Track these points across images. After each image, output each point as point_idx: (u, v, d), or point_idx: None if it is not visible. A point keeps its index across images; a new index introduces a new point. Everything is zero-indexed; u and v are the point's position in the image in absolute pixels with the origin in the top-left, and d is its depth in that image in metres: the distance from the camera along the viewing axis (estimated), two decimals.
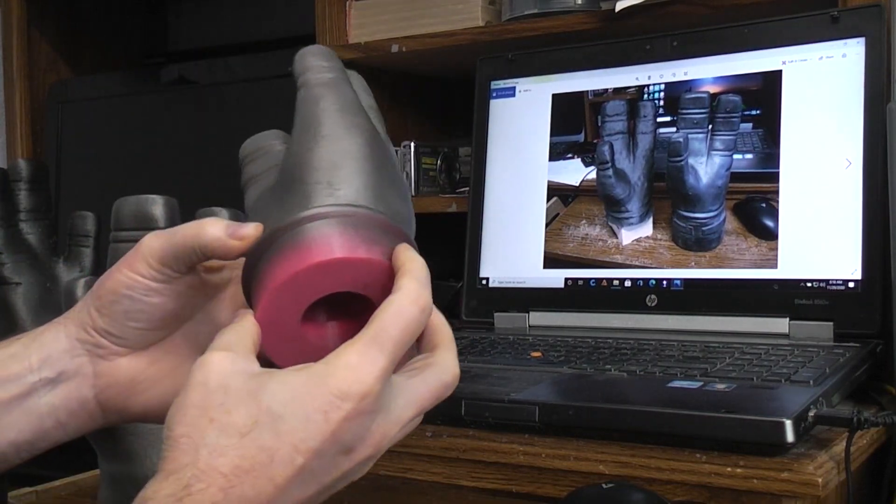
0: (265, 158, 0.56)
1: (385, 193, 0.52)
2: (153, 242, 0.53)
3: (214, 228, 0.52)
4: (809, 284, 0.96)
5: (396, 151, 1.37)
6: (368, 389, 0.45)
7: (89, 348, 0.54)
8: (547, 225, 1.11)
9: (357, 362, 0.45)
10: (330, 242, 0.48)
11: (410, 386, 0.48)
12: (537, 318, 1.09)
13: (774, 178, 0.99)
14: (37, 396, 0.54)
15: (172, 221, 0.76)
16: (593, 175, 1.10)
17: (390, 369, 0.46)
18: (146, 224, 0.74)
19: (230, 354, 0.47)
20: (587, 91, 1.12)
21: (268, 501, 0.44)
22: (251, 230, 0.51)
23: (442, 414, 0.80)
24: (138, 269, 0.53)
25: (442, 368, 0.49)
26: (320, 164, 0.51)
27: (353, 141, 0.53)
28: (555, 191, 1.12)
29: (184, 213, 0.73)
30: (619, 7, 1.09)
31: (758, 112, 1.01)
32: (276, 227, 0.50)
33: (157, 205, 0.75)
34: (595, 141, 1.10)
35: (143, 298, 0.53)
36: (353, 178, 0.51)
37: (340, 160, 0.51)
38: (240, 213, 0.63)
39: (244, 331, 0.49)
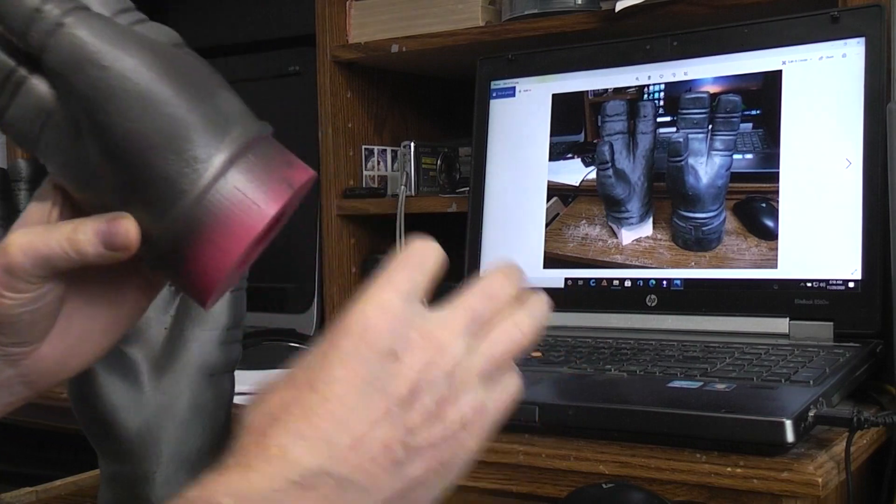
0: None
1: (224, 120, 0.46)
2: (23, 259, 0.48)
3: (90, 245, 0.47)
4: (809, 284, 0.96)
5: (396, 152, 1.37)
6: (383, 300, 0.44)
7: (4, 360, 0.51)
8: (547, 225, 1.11)
9: (364, 297, 0.44)
10: (248, 205, 0.45)
11: (441, 309, 0.46)
12: None
13: (774, 178, 0.99)
14: None
15: None
16: (593, 175, 1.10)
17: (406, 287, 0.44)
18: None
19: None
20: (587, 91, 1.12)
21: (330, 417, 0.42)
22: (129, 236, 0.46)
23: None
24: (18, 288, 0.49)
25: (478, 282, 0.47)
26: (152, 142, 0.44)
27: (160, 90, 0.45)
28: (555, 191, 1.12)
29: None
30: (619, 7, 1.09)
31: (758, 112, 1.01)
32: (172, 217, 0.45)
33: None
34: (595, 141, 1.10)
35: (36, 306, 0.50)
36: (195, 133, 0.45)
37: (167, 121, 0.45)
38: None
39: None
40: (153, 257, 0.47)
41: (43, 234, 0.48)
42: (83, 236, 0.47)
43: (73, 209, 0.50)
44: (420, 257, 0.46)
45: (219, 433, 0.63)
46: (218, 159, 0.45)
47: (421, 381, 0.43)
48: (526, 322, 0.47)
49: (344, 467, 0.41)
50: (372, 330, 0.43)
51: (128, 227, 0.46)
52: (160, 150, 0.44)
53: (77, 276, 0.51)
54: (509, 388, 0.47)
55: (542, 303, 0.49)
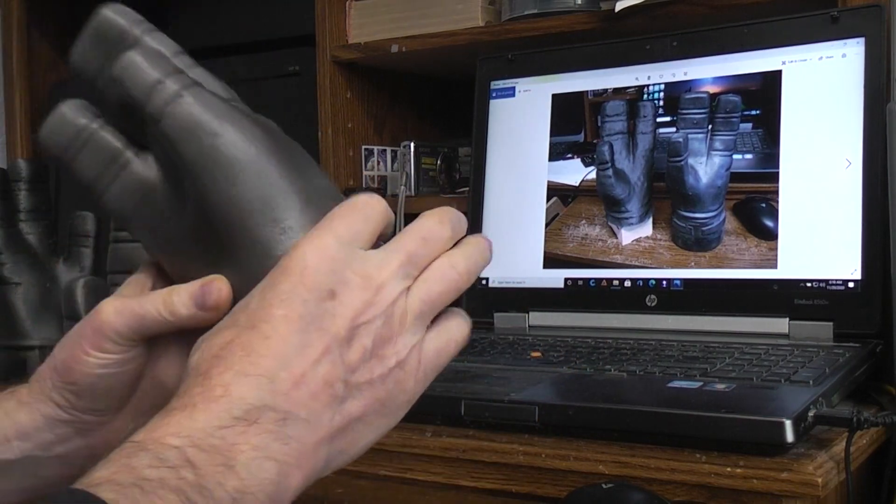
0: (94, 151, 0.51)
1: (316, 195, 0.49)
2: (115, 319, 0.50)
3: (184, 306, 0.49)
4: (809, 284, 0.96)
5: (396, 152, 1.37)
6: (322, 244, 0.45)
7: (78, 429, 0.52)
8: (547, 225, 1.11)
9: (302, 241, 0.46)
10: None
11: (379, 250, 0.47)
12: (537, 318, 1.09)
13: (774, 178, 0.99)
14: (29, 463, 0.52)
15: None
16: (593, 175, 1.10)
17: (344, 233, 0.46)
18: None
19: None
20: (587, 91, 1.12)
21: (271, 355, 0.43)
22: (222, 294, 0.49)
23: (442, 414, 0.80)
24: (106, 349, 0.51)
25: (411, 225, 0.48)
26: (253, 207, 0.48)
27: (264, 162, 0.48)
28: (555, 191, 1.12)
29: None
30: (619, 7, 1.09)
31: (758, 112, 1.01)
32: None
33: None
34: (595, 141, 1.10)
35: (119, 370, 0.51)
36: (291, 203, 0.48)
37: (268, 190, 0.48)
38: None
39: None
40: None
41: (138, 298, 0.51)
42: (177, 297, 0.50)
43: (167, 285, 0.52)
44: (363, 207, 0.47)
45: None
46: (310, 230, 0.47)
47: (359, 320, 0.44)
48: (461, 263, 0.49)
49: (286, 402, 0.42)
50: (310, 270, 0.44)
51: (220, 287, 0.49)
52: (258, 216, 0.48)
53: (160, 352, 0.53)
54: (453, 331, 0.49)
55: (478, 244, 0.50)
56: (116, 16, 0.51)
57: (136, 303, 0.51)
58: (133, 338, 0.51)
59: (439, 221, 0.49)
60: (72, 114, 0.52)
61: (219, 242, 0.49)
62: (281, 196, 0.48)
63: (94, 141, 0.51)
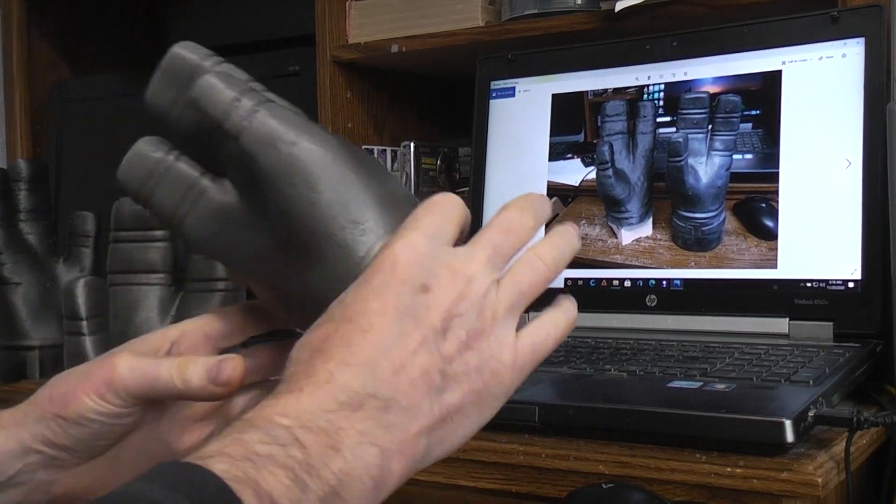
0: (171, 182, 0.53)
1: (391, 197, 0.51)
2: (128, 377, 0.51)
3: (197, 377, 0.51)
4: (809, 284, 0.96)
5: (396, 152, 1.37)
6: (411, 240, 0.47)
7: (46, 460, 0.52)
8: (547, 225, 1.11)
9: (392, 240, 0.47)
10: None
11: (464, 246, 0.49)
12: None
13: (774, 178, 0.99)
14: None
15: None
16: (593, 175, 1.10)
17: (430, 230, 0.47)
18: (146, 224, 0.74)
19: None
20: (587, 91, 1.12)
21: (372, 345, 0.44)
22: (235, 372, 0.51)
23: None
24: (109, 399, 0.51)
25: (493, 219, 0.50)
26: (333, 211, 0.50)
27: (341, 167, 0.51)
28: (555, 191, 1.12)
29: None
30: (619, 7, 1.09)
31: (758, 112, 1.01)
32: (347, 281, 0.49)
33: None
34: (595, 141, 1.10)
35: (112, 422, 0.52)
36: (369, 205, 0.50)
37: (346, 194, 0.50)
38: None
39: None
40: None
41: (153, 360, 0.52)
42: (193, 368, 0.51)
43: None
44: (444, 206, 0.49)
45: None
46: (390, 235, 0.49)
47: (452, 312, 0.45)
48: (548, 253, 0.49)
49: (388, 390, 0.44)
50: (401, 265, 0.46)
51: (235, 366, 0.51)
52: (339, 219, 0.50)
53: (152, 415, 0.53)
54: (549, 325, 0.49)
55: (566, 234, 0.51)
56: (187, 52, 0.53)
57: (151, 364, 0.52)
58: (140, 398, 0.52)
59: (521, 210, 0.50)
60: (148, 148, 0.54)
61: (302, 249, 0.50)
62: (359, 199, 0.50)
63: (171, 172, 0.53)
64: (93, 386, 0.51)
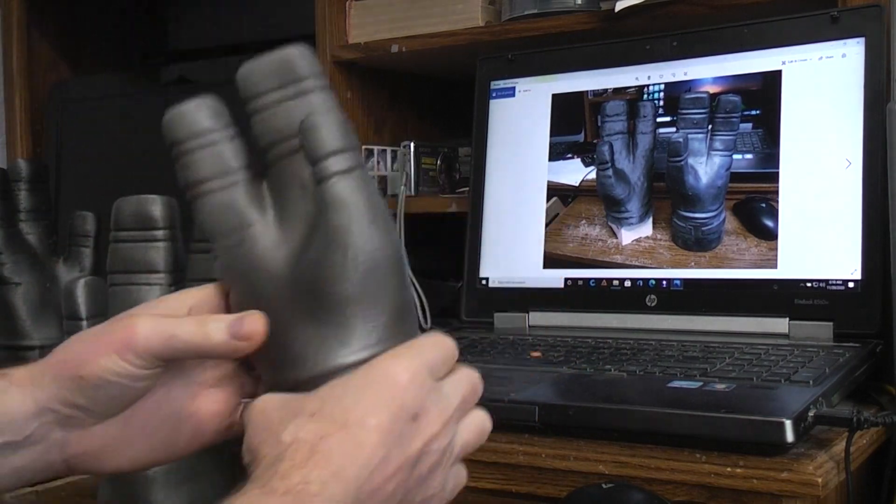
0: (209, 159, 0.53)
1: (406, 309, 0.53)
2: (150, 336, 0.51)
3: (219, 333, 0.51)
4: (809, 284, 0.96)
5: (396, 152, 1.37)
6: (415, 367, 0.50)
7: (61, 419, 0.52)
8: (547, 225, 1.11)
9: (398, 357, 0.50)
10: None
11: (449, 377, 0.52)
12: (537, 318, 1.09)
13: (774, 178, 0.99)
14: None
15: (172, 221, 0.75)
16: (593, 175, 1.10)
17: (428, 365, 0.51)
18: (146, 224, 0.74)
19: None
20: (587, 91, 1.12)
21: (361, 463, 0.47)
22: (257, 326, 0.51)
23: None
24: (130, 360, 0.51)
25: (464, 371, 0.54)
26: (358, 296, 0.51)
27: (385, 265, 0.52)
28: (555, 191, 1.12)
29: (184, 213, 0.73)
30: (619, 7, 1.09)
31: (757, 112, 1.01)
32: (322, 371, 0.51)
33: (156, 204, 0.75)
34: (595, 141, 1.10)
35: (130, 385, 0.52)
36: (388, 309, 0.52)
37: (376, 289, 0.52)
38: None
39: None
40: (285, 386, 0.52)
41: (173, 318, 0.52)
42: (214, 323, 0.52)
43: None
44: (447, 346, 0.53)
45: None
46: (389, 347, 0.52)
47: (428, 447, 0.50)
48: (489, 421, 0.55)
49: None
50: (401, 389, 0.49)
51: (256, 320, 0.51)
52: (357, 308, 0.51)
53: (168, 378, 0.54)
54: (460, 478, 0.55)
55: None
56: (303, 60, 0.54)
57: (171, 323, 0.52)
58: (161, 358, 0.51)
59: (480, 378, 0.54)
60: (201, 113, 0.54)
61: (311, 303, 0.51)
62: (384, 299, 0.51)
63: (215, 147, 0.54)
64: (113, 346, 0.51)
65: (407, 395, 0.49)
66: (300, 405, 0.49)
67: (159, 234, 0.73)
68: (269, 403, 0.50)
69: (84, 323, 1.00)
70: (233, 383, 0.56)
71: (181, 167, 0.54)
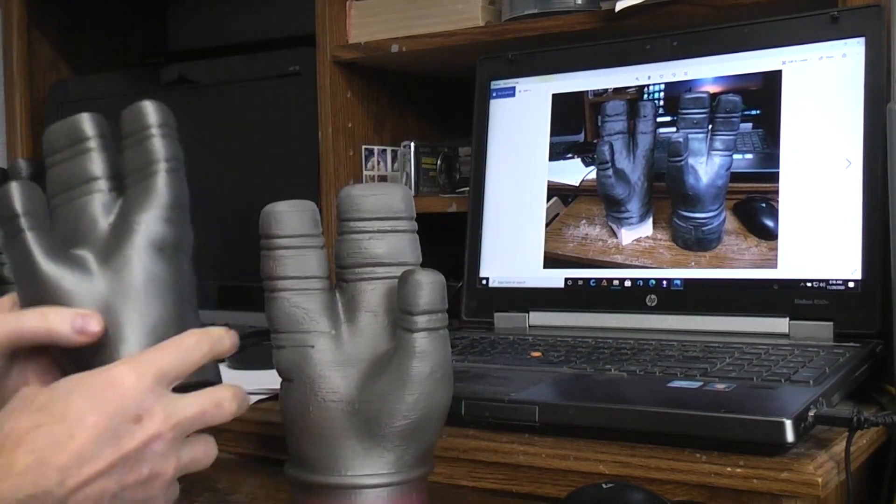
0: (298, 259, 0.65)
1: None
2: None
3: (62, 326, 0.57)
4: (809, 284, 0.96)
5: (396, 152, 1.37)
6: (141, 371, 0.55)
7: None
8: (547, 225, 1.11)
9: (128, 363, 0.56)
10: None
11: (195, 391, 0.58)
12: (537, 318, 1.09)
13: (774, 178, 0.99)
14: None
15: (102, 130, 0.74)
16: (593, 175, 1.10)
17: (156, 371, 0.56)
18: (76, 138, 0.71)
19: None
20: (587, 91, 1.12)
21: (70, 454, 0.51)
22: (97, 327, 0.58)
23: None
24: None
25: (218, 388, 0.59)
26: (407, 432, 0.64)
27: (436, 417, 0.67)
28: (555, 191, 1.12)
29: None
30: (619, 7, 1.09)
31: (758, 112, 1.01)
32: (352, 484, 0.64)
33: (84, 120, 0.74)
34: (595, 141, 1.10)
35: None
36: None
37: (421, 433, 0.66)
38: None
39: None
40: None
41: (16, 313, 0.59)
42: (56, 316, 0.58)
43: None
44: (185, 348, 0.57)
45: (179, 304, 0.64)
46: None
47: (148, 448, 0.54)
48: (215, 449, 0.59)
49: (65, 496, 0.51)
50: (127, 391, 0.54)
51: (98, 321, 0.58)
52: (405, 440, 0.65)
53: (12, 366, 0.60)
54: (173, 495, 0.58)
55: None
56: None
57: (14, 317, 0.58)
58: (7, 348, 0.57)
59: (232, 397, 0.59)
60: (305, 216, 0.68)
61: (364, 424, 0.64)
62: (423, 440, 0.65)
63: (303, 250, 0.68)
64: None
65: (128, 397, 0.53)
66: (35, 398, 0.54)
67: (91, 143, 0.71)
68: (22, 392, 0.55)
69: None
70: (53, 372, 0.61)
71: (269, 260, 0.66)
